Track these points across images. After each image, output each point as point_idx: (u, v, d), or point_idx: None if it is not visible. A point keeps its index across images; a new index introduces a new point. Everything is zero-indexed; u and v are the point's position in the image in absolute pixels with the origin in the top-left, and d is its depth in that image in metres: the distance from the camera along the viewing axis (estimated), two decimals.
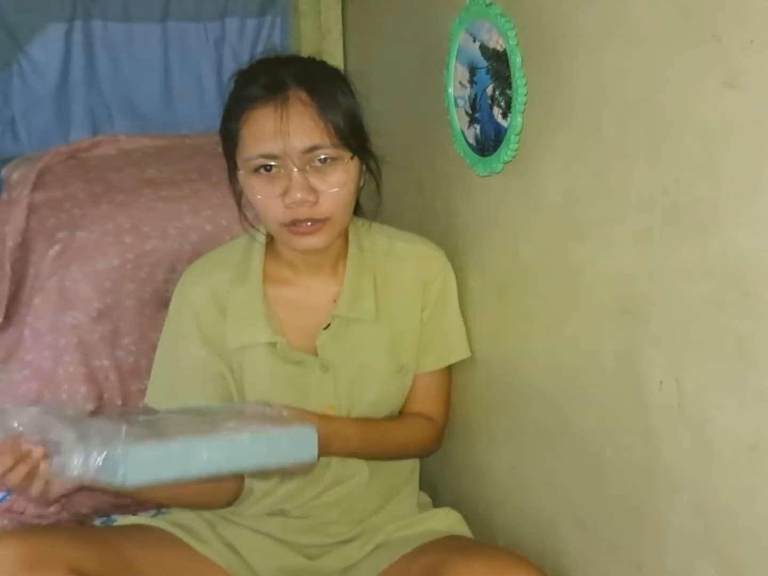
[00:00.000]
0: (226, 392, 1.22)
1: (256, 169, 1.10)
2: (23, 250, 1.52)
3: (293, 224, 1.11)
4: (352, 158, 1.12)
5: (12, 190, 1.58)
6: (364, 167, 1.18)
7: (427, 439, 1.30)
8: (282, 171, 1.09)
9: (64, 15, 1.71)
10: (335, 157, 1.10)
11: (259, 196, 1.11)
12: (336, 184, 1.11)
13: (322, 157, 1.09)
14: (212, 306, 1.21)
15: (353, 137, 1.12)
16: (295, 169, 1.08)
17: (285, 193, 1.09)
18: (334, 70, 1.19)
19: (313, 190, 1.09)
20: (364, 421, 1.22)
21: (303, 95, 1.09)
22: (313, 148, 1.09)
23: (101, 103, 1.78)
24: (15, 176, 1.59)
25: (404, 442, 1.27)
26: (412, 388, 1.28)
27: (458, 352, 1.28)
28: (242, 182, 1.14)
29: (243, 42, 1.85)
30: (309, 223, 1.11)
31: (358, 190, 1.18)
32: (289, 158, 1.08)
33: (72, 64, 1.74)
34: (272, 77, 1.11)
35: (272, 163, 1.09)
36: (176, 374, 1.23)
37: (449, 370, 1.31)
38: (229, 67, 1.85)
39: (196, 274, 1.25)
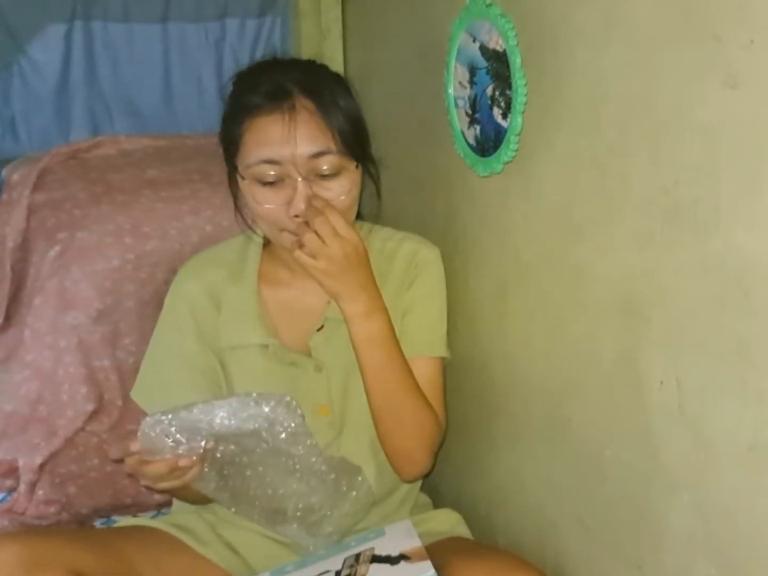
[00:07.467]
0: (218, 388, 1.22)
1: (259, 179, 1.09)
2: (23, 251, 1.53)
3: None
4: (357, 167, 1.12)
5: (12, 190, 1.58)
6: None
7: (436, 426, 1.21)
8: (285, 180, 1.08)
9: (64, 15, 1.71)
10: (339, 169, 1.10)
11: (261, 205, 1.10)
12: (341, 192, 1.10)
13: (326, 168, 1.08)
14: (208, 301, 1.21)
15: (357, 142, 1.12)
16: (300, 179, 1.07)
17: (289, 203, 1.08)
18: (335, 75, 1.18)
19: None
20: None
21: (308, 103, 1.09)
22: (320, 154, 1.08)
23: (101, 103, 1.78)
24: (15, 177, 1.59)
25: (422, 406, 1.19)
26: None
27: (435, 347, 1.23)
28: (243, 189, 1.13)
29: (243, 42, 1.86)
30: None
31: (360, 195, 1.18)
32: (294, 167, 1.07)
33: (72, 64, 1.74)
34: (275, 84, 1.10)
35: (272, 172, 1.08)
36: (168, 369, 1.22)
37: (438, 367, 1.24)
38: (230, 68, 1.85)
39: (192, 271, 1.25)
